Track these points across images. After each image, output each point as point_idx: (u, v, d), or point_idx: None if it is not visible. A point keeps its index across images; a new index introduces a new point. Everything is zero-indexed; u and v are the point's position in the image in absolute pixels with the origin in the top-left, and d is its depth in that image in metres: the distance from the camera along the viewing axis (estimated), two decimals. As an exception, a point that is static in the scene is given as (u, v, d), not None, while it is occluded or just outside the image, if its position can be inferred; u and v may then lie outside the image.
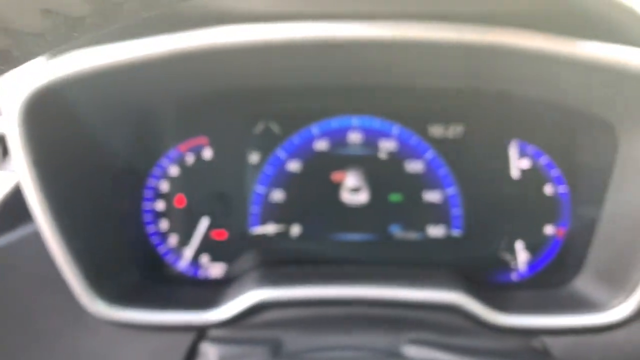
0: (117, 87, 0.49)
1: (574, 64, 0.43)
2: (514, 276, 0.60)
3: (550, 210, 0.60)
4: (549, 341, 0.50)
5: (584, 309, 0.52)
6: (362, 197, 0.61)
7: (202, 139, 0.61)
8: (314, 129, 0.60)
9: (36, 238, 0.48)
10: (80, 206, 0.51)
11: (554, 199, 0.60)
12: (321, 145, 0.61)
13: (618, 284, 0.51)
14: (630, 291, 0.49)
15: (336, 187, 0.61)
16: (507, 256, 0.60)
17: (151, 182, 0.61)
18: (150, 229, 0.61)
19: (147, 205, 0.61)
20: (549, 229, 0.60)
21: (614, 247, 0.53)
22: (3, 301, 0.49)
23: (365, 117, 0.61)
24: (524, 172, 0.59)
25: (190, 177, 0.61)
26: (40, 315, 0.50)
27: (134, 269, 0.57)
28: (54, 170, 0.47)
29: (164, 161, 0.61)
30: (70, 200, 0.49)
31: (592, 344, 0.50)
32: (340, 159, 0.61)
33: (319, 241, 0.61)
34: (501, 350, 0.50)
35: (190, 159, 0.61)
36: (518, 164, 0.59)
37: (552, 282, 0.57)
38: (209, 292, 0.57)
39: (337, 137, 0.61)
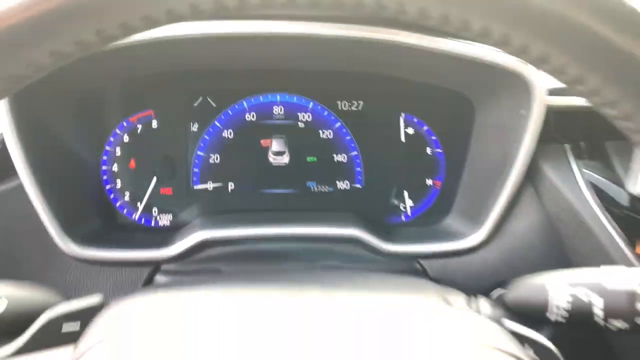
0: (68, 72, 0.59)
1: (440, 55, 0.59)
2: (402, 218, 0.77)
3: (430, 167, 0.77)
4: (426, 263, 0.67)
5: (451, 239, 0.69)
6: (284, 159, 0.75)
7: (149, 112, 0.73)
8: (245, 103, 0.74)
9: (17, 192, 0.59)
10: (55, 168, 0.62)
11: (432, 158, 0.77)
12: (251, 116, 0.74)
13: (474, 220, 0.68)
14: (481, 224, 0.67)
15: (264, 151, 0.74)
16: (397, 203, 0.76)
17: (107, 148, 0.72)
18: (108, 186, 0.72)
19: (104, 167, 0.72)
20: (428, 182, 0.77)
21: (472, 193, 0.71)
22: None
23: (287, 94, 0.75)
24: (409, 137, 0.76)
25: (139, 144, 0.72)
26: (20, 256, 0.61)
27: (97, 218, 0.69)
28: (35, 144, 0.58)
29: (118, 131, 0.72)
30: (47, 163, 0.60)
31: (457, 264, 0.67)
32: (266, 128, 0.73)
33: (250, 195, 0.74)
34: (391, 271, 0.67)
35: (139, 128, 0.73)
36: (405, 131, 0.76)
37: (430, 221, 0.75)
38: (159, 237, 0.70)
39: (264, 110, 0.74)
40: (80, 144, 0.67)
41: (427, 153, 0.76)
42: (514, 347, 0.35)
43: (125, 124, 0.71)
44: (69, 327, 0.37)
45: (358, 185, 0.75)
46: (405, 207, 0.76)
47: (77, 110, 0.65)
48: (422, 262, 0.67)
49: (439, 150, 0.76)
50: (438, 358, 0.32)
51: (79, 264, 0.61)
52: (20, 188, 0.57)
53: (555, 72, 0.29)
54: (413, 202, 0.76)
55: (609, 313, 0.43)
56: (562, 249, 0.61)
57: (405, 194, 0.75)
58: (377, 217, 0.75)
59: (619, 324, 0.43)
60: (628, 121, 0.32)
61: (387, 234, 0.69)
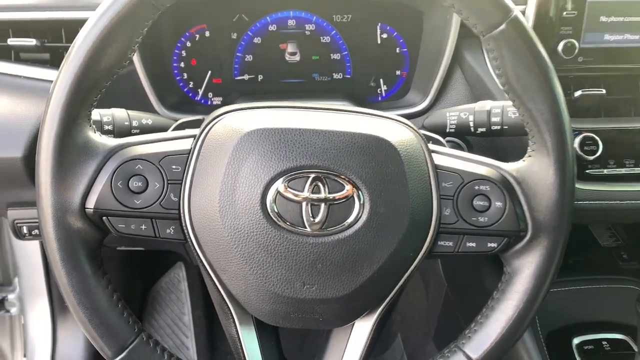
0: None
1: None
2: (379, 98, 1.10)
3: (399, 62, 1.08)
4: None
5: (410, 107, 1.02)
6: (296, 57, 1.07)
7: (203, 25, 1.05)
8: (268, 18, 1.04)
9: (132, 74, 0.93)
10: (151, 61, 0.95)
11: (401, 55, 1.09)
12: (272, 27, 1.04)
13: (423, 93, 1.01)
14: (427, 95, 1.00)
15: (282, 52, 1.04)
16: (375, 88, 1.10)
17: (176, 51, 1.05)
18: (178, 77, 1.06)
19: (175, 65, 1.06)
20: (397, 72, 1.10)
21: (422, 76, 1.03)
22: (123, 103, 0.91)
23: (297, 11, 1.06)
24: (383, 40, 1.08)
25: (198, 48, 1.03)
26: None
27: (174, 97, 1.02)
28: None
29: (182, 39, 1.05)
30: (147, 58, 0.94)
31: (414, 123, 1.00)
32: (283, 35, 1.02)
33: (273, 83, 1.05)
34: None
35: (197, 37, 1.05)
36: (381, 36, 1.08)
37: (396, 98, 1.08)
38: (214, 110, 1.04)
39: (281, 23, 1.02)
40: (162, 47, 1.01)
41: (396, 52, 1.08)
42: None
43: (187, 34, 1.04)
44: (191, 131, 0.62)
45: (348, 76, 1.07)
46: (381, 91, 1.09)
47: (159, 22, 0.98)
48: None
49: (405, 49, 1.08)
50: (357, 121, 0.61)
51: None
52: (135, 72, 0.91)
53: None
54: (387, 87, 1.09)
55: (476, 124, 0.78)
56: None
57: (381, 81, 1.08)
58: (361, 98, 1.07)
59: (482, 129, 0.77)
60: (467, 20, 0.51)
61: (368, 106, 1.03)
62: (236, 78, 1.05)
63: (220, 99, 1.06)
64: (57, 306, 1.44)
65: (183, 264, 1.68)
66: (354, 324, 0.67)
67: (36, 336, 1.48)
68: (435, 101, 0.98)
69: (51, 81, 0.89)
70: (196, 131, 0.64)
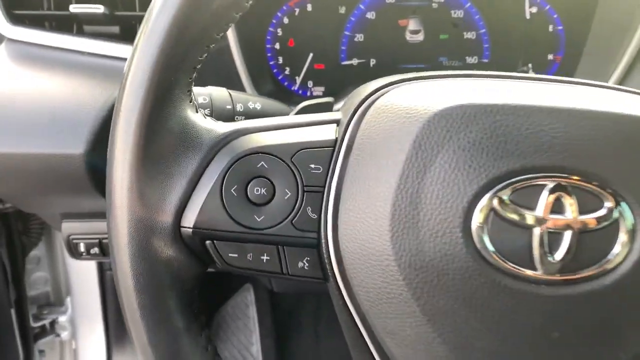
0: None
1: None
2: (525, 89, 0.86)
3: (552, 43, 0.85)
4: None
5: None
6: (420, 37, 0.86)
7: (305, -4, 0.85)
8: (386, -13, 0.84)
9: (225, 49, 0.73)
10: (243, 38, 0.75)
11: (554, 35, 0.85)
12: None
13: (596, 80, 0.77)
14: (603, 84, 0.75)
15: (402, 30, 0.85)
16: (520, 76, 0.86)
17: (271, 29, 0.85)
18: (272, 62, 0.85)
19: (268, 46, 0.85)
20: (550, 56, 0.86)
21: (597, 58, 0.79)
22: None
23: (422, -22, 0.84)
24: (532, 16, 0.84)
25: (297, 25, 0.84)
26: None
27: (270, 84, 0.83)
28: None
29: (279, 14, 0.84)
30: (242, 32, 0.74)
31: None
32: (404, 9, 0.83)
33: (388, 69, 0.86)
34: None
35: (297, 11, 0.85)
36: (530, 10, 0.84)
37: (550, 88, 0.84)
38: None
39: None
40: (254, 25, 0.80)
41: (549, 30, 0.84)
42: None
43: (285, 7, 0.83)
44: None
45: (485, 60, 0.85)
46: (528, 79, 0.85)
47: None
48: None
49: (559, 27, 0.84)
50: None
51: None
52: (227, 47, 0.72)
53: None
54: (535, 74, 0.85)
55: None
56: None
57: (529, 67, 0.85)
58: (502, 88, 0.84)
59: None
60: None
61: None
62: (343, 63, 0.84)
63: (322, 88, 0.85)
64: (113, 332, 1.26)
65: (252, 286, 1.47)
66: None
67: (88, 365, 1.30)
68: (615, 91, 0.73)
69: (121, 58, 0.71)
70: (339, 115, 0.42)
